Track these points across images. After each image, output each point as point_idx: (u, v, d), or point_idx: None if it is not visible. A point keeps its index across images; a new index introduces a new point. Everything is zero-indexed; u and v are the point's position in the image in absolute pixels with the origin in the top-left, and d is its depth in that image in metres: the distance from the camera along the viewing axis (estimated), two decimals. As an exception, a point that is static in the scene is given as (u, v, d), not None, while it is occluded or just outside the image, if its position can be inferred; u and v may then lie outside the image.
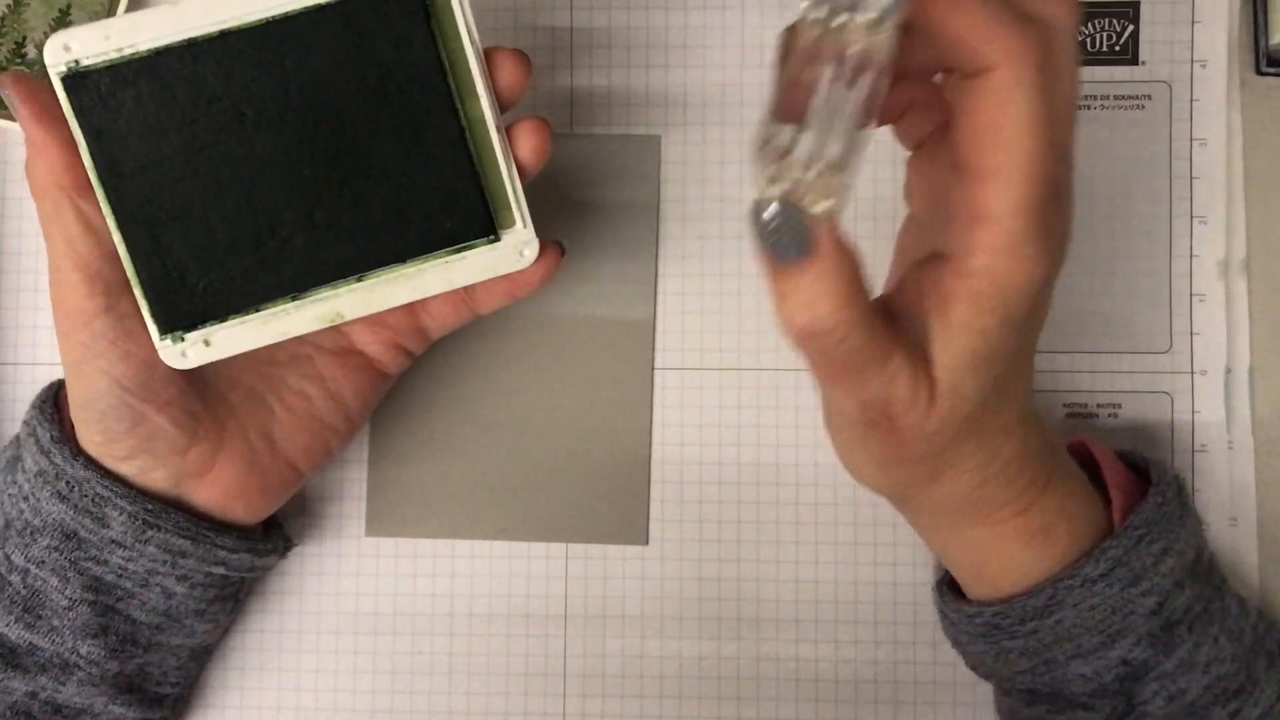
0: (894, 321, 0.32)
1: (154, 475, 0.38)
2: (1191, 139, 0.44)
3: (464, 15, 0.35)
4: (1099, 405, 0.44)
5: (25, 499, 0.39)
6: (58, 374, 0.46)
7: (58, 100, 0.34)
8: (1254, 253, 0.44)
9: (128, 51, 0.33)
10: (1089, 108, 0.44)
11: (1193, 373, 0.44)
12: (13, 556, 0.39)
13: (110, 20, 0.33)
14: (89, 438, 0.38)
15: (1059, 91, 0.29)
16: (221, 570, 0.40)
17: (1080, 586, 0.36)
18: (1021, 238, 0.29)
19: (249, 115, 0.34)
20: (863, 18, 0.28)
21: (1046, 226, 0.30)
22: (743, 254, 0.45)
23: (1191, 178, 0.44)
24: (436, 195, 0.35)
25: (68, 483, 0.38)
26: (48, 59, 0.33)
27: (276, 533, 0.43)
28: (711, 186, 0.45)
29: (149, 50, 0.33)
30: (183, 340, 0.36)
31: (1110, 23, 0.44)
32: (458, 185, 0.36)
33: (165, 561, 0.39)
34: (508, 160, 0.36)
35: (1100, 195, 0.44)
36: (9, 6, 0.43)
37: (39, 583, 0.39)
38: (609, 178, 0.45)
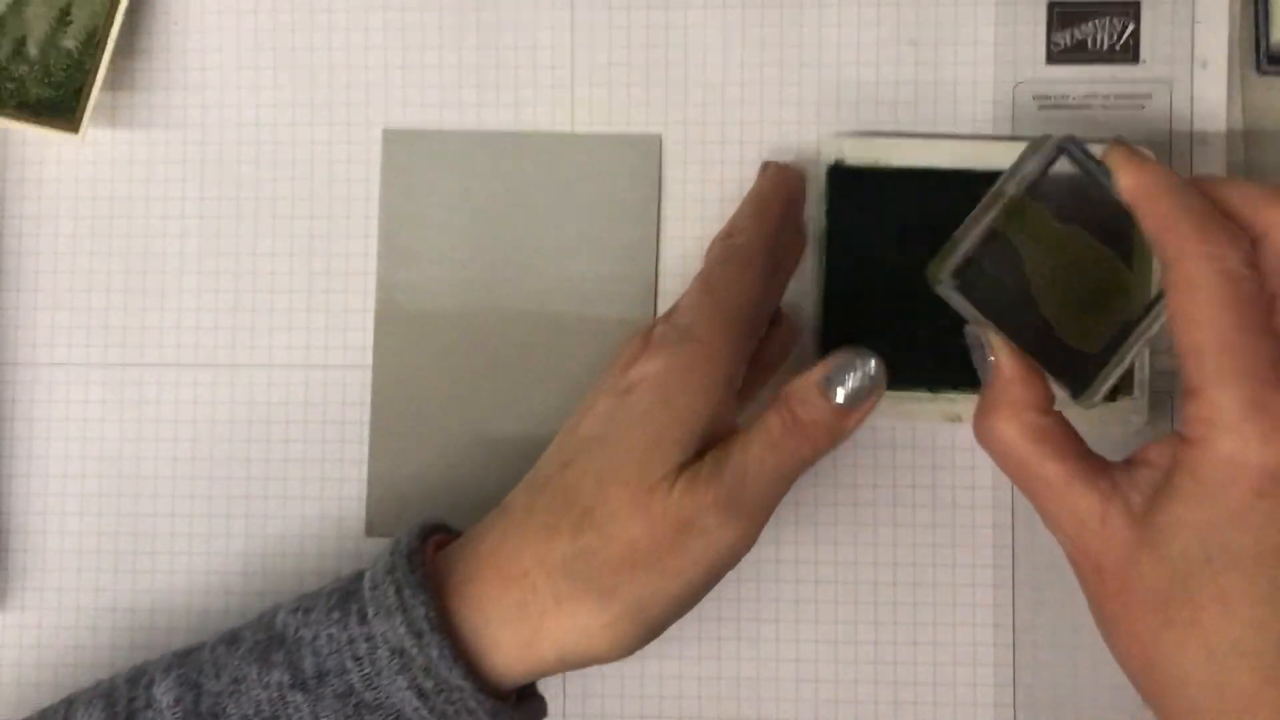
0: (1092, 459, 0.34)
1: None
2: (1191, 139, 0.44)
3: None
4: (1100, 405, 0.44)
5: (358, 660, 0.35)
6: (58, 374, 0.46)
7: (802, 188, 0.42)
8: (1255, 252, 0.44)
9: (881, 163, 0.43)
10: (1089, 108, 0.44)
11: (1194, 373, 0.44)
12: (322, 717, 0.34)
13: (877, 140, 0.43)
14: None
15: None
16: None
17: None
18: (1229, 413, 0.31)
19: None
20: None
21: (1260, 404, 0.31)
22: (743, 254, 0.45)
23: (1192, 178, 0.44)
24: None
25: (436, 685, 0.34)
26: (825, 152, 0.43)
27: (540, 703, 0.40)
28: (711, 186, 0.45)
29: (897, 167, 0.43)
30: None
31: (1111, 22, 0.44)
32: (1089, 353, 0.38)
33: None
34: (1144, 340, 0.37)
35: (1101, 195, 0.44)
36: (9, 6, 0.43)
37: None
38: (609, 178, 0.45)
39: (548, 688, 0.44)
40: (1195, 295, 0.32)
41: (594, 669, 0.44)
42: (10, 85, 0.43)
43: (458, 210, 0.45)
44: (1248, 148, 0.44)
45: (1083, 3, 0.44)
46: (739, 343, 0.37)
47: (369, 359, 0.45)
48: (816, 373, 0.37)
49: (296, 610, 0.36)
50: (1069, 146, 0.36)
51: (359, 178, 0.46)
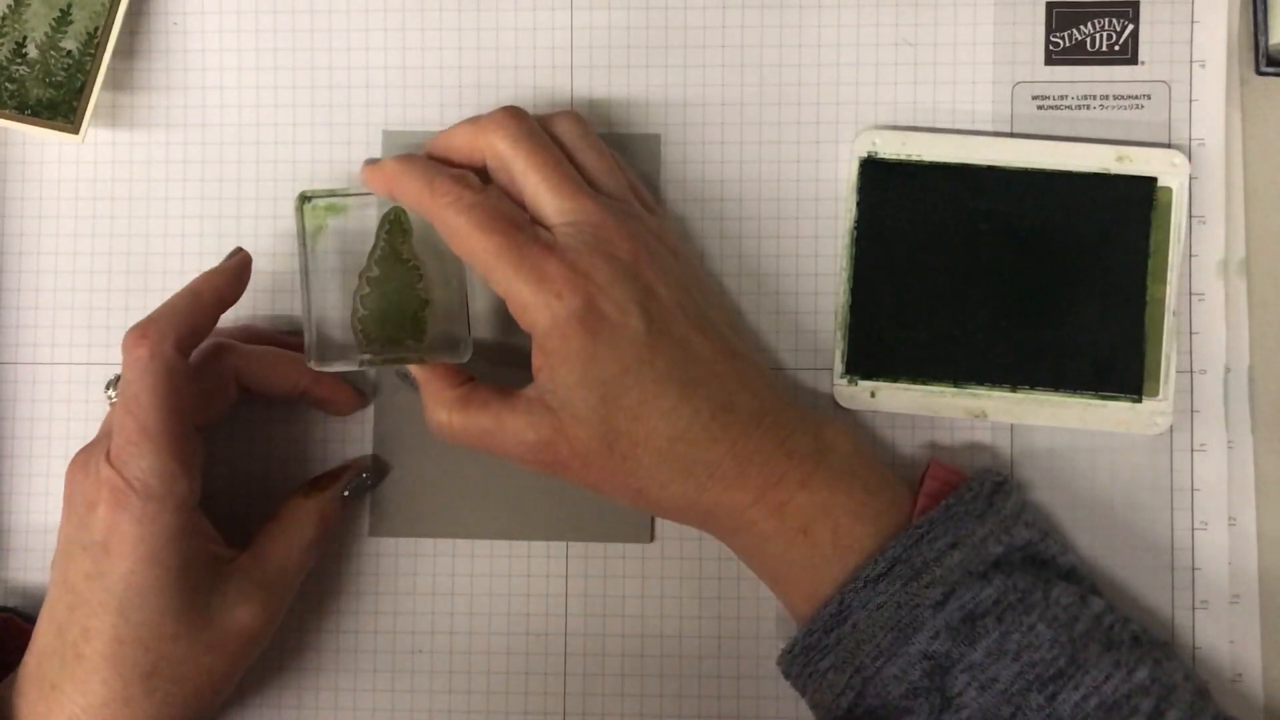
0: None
1: None
2: (1191, 139, 0.44)
3: (1183, 218, 0.43)
4: (1099, 405, 0.44)
5: None
6: (59, 373, 0.46)
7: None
8: (1254, 253, 0.44)
9: (914, 157, 0.44)
10: (1087, 108, 0.44)
11: (1193, 372, 0.44)
12: None
13: (910, 134, 0.44)
14: None
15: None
16: None
17: (864, 587, 0.38)
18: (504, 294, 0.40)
19: (984, 231, 0.43)
20: None
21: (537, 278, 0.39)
22: (743, 254, 0.45)
23: (1190, 178, 0.44)
24: (1103, 348, 0.43)
25: None
26: (858, 145, 0.44)
27: None
28: (712, 186, 0.45)
29: (929, 161, 0.44)
30: (856, 385, 0.44)
31: (1110, 22, 0.44)
32: (1125, 347, 0.43)
33: None
34: (1170, 341, 0.42)
35: (1100, 195, 0.44)
36: (9, 7, 0.43)
37: None
38: (609, 177, 0.45)
39: (546, 686, 0.44)
40: (456, 238, 0.40)
41: (597, 670, 0.44)
42: (10, 86, 0.43)
43: (458, 210, 0.45)
44: (1247, 148, 0.44)
45: (1082, 4, 0.44)
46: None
47: (369, 359, 0.45)
48: (339, 486, 0.44)
49: None
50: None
51: (359, 178, 0.46)
